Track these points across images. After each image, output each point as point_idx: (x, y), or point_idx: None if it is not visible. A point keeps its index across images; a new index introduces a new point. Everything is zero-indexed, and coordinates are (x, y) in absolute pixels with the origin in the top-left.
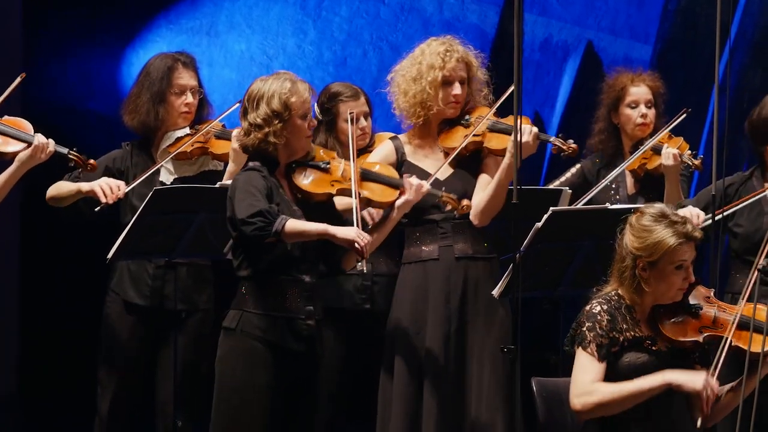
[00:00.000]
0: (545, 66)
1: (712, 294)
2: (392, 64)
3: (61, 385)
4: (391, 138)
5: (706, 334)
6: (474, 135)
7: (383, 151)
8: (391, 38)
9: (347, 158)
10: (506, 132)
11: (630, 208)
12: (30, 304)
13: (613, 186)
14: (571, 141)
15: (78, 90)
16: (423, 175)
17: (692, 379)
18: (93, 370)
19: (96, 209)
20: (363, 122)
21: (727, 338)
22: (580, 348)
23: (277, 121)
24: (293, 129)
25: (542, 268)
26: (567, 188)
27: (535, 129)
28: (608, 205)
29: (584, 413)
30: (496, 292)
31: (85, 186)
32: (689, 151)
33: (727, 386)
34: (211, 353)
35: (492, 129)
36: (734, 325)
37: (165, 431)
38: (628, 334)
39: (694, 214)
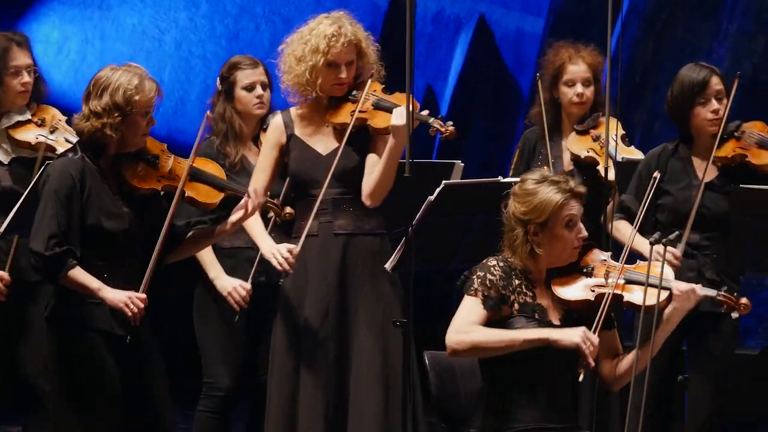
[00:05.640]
0: (438, 39)
1: (608, 257)
2: (285, 38)
3: None
4: (280, 112)
5: (597, 293)
6: (360, 111)
7: (272, 124)
8: (283, 11)
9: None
10: (390, 110)
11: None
12: None
13: (552, 161)
14: (450, 123)
15: None
16: (308, 151)
17: (569, 335)
18: None
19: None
20: (260, 90)
21: (610, 293)
22: (466, 294)
23: (116, 114)
24: (131, 125)
25: (436, 241)
26: (459, 161)
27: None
28: (500, 178)
29: (457, 351)
30: (388, 265)
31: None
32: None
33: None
34: None
35: (376, 106)
36: (619, 279)
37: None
38: (520, 297)
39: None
